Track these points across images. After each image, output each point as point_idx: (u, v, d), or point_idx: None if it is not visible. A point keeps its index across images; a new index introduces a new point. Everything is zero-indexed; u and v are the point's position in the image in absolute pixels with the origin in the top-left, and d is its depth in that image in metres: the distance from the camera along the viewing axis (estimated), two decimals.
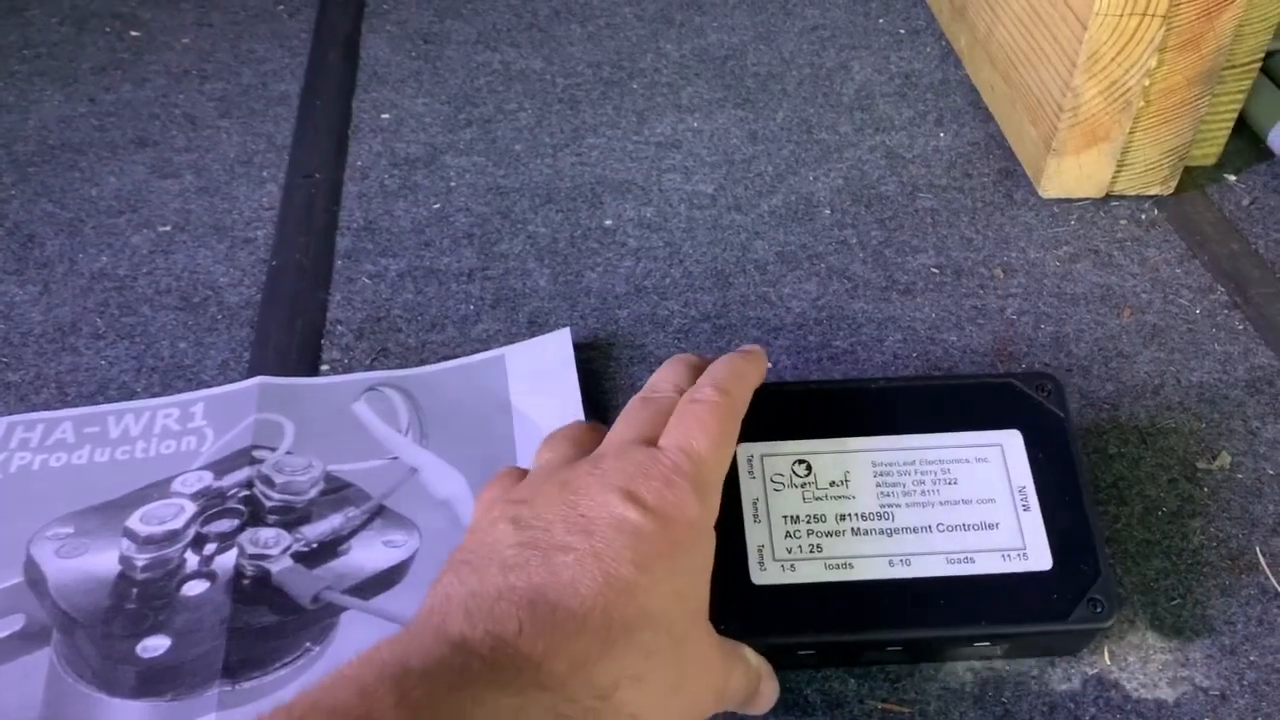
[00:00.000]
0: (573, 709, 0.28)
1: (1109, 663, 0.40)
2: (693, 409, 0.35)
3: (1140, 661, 0.40)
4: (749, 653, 0.36)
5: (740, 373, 0.38)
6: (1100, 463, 0.47)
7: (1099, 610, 0.36)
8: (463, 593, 0.30)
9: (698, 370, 0.38)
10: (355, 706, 0.25)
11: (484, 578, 0.30)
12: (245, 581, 0.42)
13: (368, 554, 0.43)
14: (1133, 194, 0.61)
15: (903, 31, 0.75)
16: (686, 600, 0.32)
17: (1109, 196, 0.61)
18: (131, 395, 0.50)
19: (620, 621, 0.30)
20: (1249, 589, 0.42)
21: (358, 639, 0.40)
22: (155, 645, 0.40)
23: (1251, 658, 0.40)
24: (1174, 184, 0.60)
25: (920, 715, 0.38)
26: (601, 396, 0.50)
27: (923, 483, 0.39)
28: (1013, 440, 0.40)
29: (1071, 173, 0.59)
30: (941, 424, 0.40)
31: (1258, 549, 0.44)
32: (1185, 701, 0.39)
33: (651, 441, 0.35)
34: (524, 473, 0.37)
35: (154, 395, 0.50)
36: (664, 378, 0.38)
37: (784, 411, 0.40)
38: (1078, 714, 0.38)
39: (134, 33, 0.75)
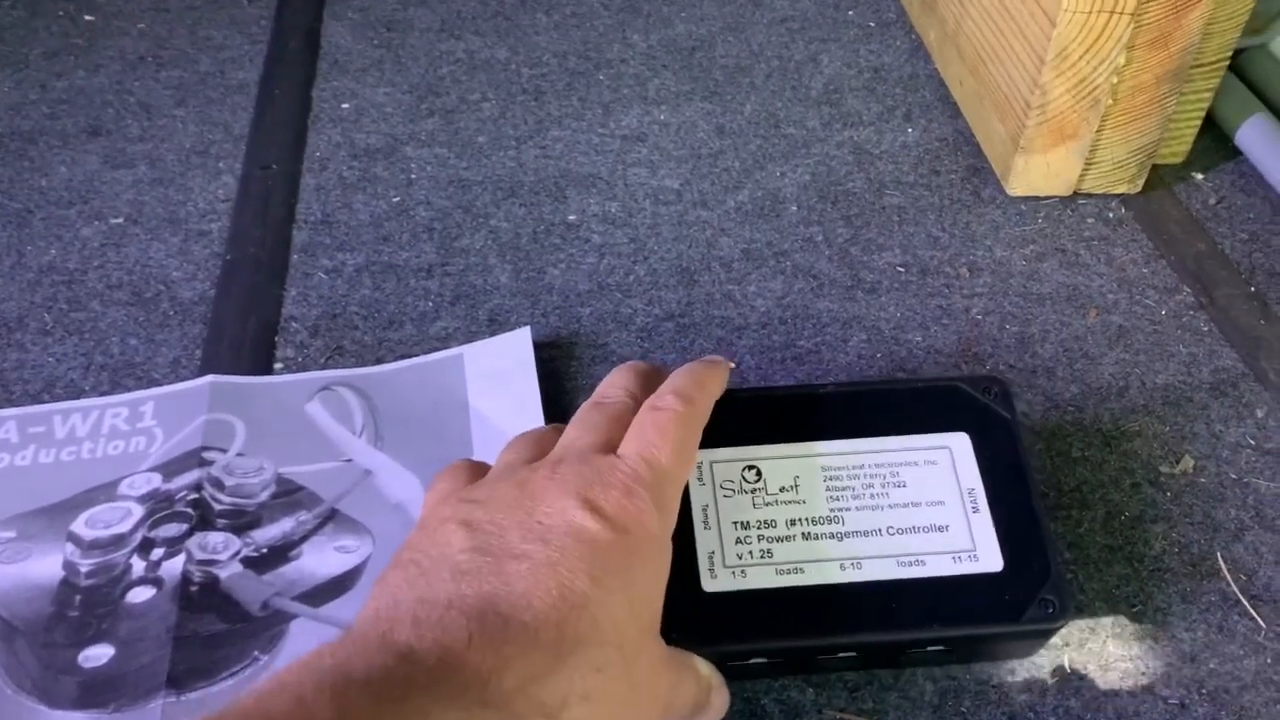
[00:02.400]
0: None
1: (1069, 670, 0.40)
2: (654, 417, 0.34)
3: (1100, 669, 0.40)
4: (699, 663, 0.35)
5: (703, 382, 0.37)
6: (1064, 466, 0.46)
7: (1051, 610, 0.36)
8: (411, 598, 0.29)
9: (648, 377, 0.38)
10: (293, 715, 0.24)
11: (433, 583, 0.29)
12: (193, 588, 0.41)
13: (319, 560, 0.42)
14: (1100, 193, 0.60)
15: (872, 24, 0.74)
16: (639, 615, 0.31)
17: (1076, 195, 0.60)
18: (79, 394, 0.49)
19: (572, 637, 0.29)
20: (1210, 595, 0.42)
21: (307, 648, 0.39)
22: (98, 654, 0.39)
23: (1211, 665, 0.40)
24: (1141, 183, 0.60)
25: None
26: (562, 397, 0.49)
27: (872, 486, 0.39)
28: (961, 443, 0.40)
29: (1039, 171, 0.59)
30: (890, 427, 0.40)
31: (1219, 554, 0.43)
32: (1145, 710, 0.38)
33: (610, 448, 0.34)
34: (476, 466, 0.36)
35: (103, 393, 0.49)
36: (615, 383, 0.38)
37: (733, 417, 0.39)
38: None
39: (88, 17, 0.73)
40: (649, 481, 0.32)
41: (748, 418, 0.40)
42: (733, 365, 0.50)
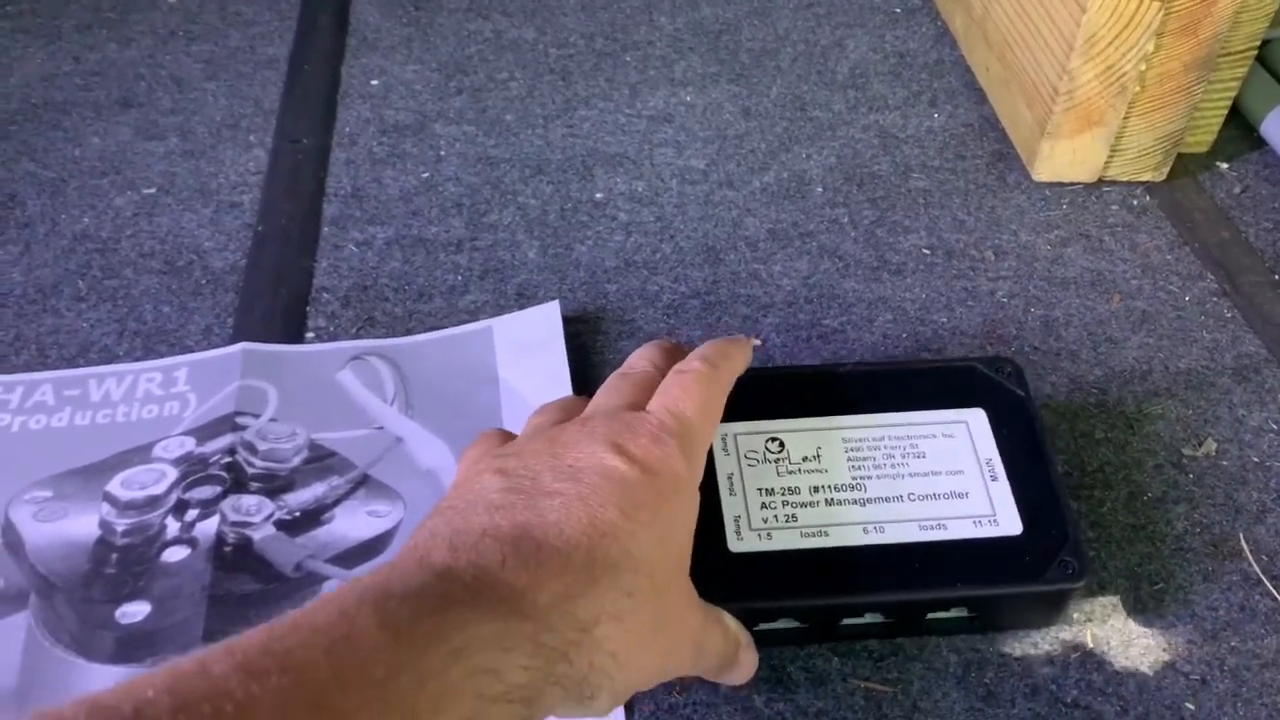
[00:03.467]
0: (553, 639, 0.28)
1: (1091, 646, 0.40)
2: (680, 379, 0.36)
3: (1123, 645, 0.40)
4: (729, 619, 0.36)
5: (727, 352, 0.38)
6: (1087, 447, 0.47)
7: (1070, 571, 0.37)
8: (447, 530, 0.30)
9: (673, 354, 0.39)
10: (336, 625, 0.25)
11: (469, 518, 0.30)
12: (227, 549, 0.42)
13: (351, 523, 0.43)
14: (1125, 179, 0.61)
15: (898, 10, 0.75)
16: (669, 549, 0.32)
17: (1101, 181, 0.61)
18: (113, 359, 0.49)
19: (603, 561, 0.30)
20: (1231, 575, 0.42)
21: None
22: (135, 611, 0.40)
23: (1232, 643, 0.40)
24: (1166, 170, 0.60)
25: (903, 695, 0.39)
26: (590, 371, 0.49)
27: (892, 456, 0.40)
28: (977, 418, 0.41)
29: (1065, 157, 0.59)
30: (908, 404, 0.42)
31: (1241, 536, 0.44)
32: (1167, 686, 0.39)
33: (637, 409, 0.35)
34: (508, 435, 0.37)
35: (136, 359, 0.49)
36: (642, 356, 0.39)
37: (755, 395, 0.41)
38: (1059, 695, 0.39)
39: None
40: (675, 431, 0.33)
41: (770, 395, 0.42)
42: (758, 342, 0.51)
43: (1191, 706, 0.38)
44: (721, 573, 0.37)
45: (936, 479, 0.39)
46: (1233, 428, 0.48)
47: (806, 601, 0.37)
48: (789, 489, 0.39)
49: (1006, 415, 0.41)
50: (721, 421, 0.39)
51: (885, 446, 0.40)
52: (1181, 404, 0.49)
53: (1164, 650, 0.40)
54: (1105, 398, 0.49)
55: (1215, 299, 0.54)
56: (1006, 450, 0.40)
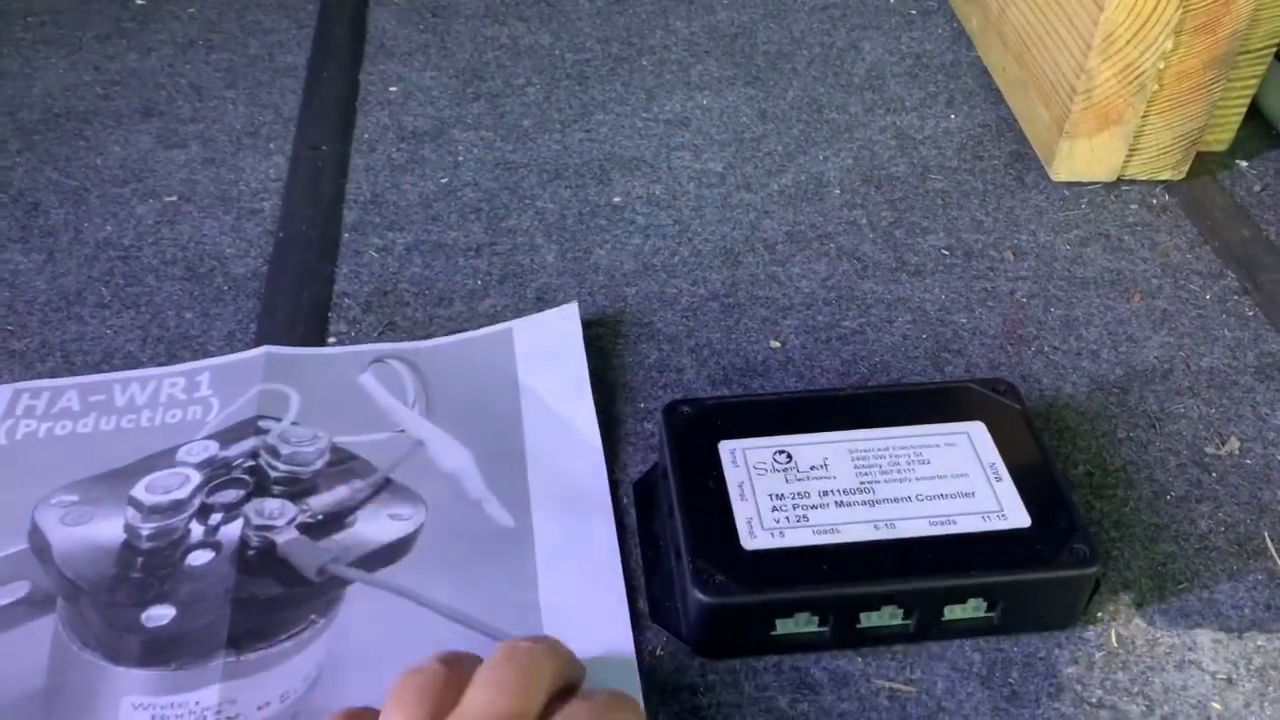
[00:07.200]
0: None
1: (1116, 645, 0.40)
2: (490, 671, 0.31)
3: (1148, 645, 0.40)
4: None
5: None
6: (1109, 447, 0.47)
7: (1082, 556, 0.38)
8: None
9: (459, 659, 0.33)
10: None
11: None
12: (250, 552, 0.42)
13: (373, 527, 0.43)
14: (1144, 178, 0.60)
15: (914, 12, 0.74)
16: None
17: (1120, 181, 0.60)
18: (137, 364, 0.50)
19: None
20: (1256, 574, 0.42)
21: (363, 612, 0.40)
22: (160, 614, 0.40)
23: (1258, 642, 0.40)
24: (1186, 169, 0.60)
25: (927, 695, 0.38)
26: (609, 373, 0.50)
27: (898, 464, 0.42)
28: (977, 429, 0.43)
29: (1083, 156, 0.59)
30: (909, 421, 0.43)
31: (1266, 534, 0.43)
32: (1193, 685, 0.39)
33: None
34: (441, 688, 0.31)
35: (160, 365, 0.50)
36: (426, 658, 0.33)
37: (760, 417, 0.43)
38: (1084, 695, 0.38)
39: (139, 1, 0.75)
40: None
41: (774, 417, 0.43)
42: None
43: (1218, 706, 0.38)
44: (737, 568, 0.38)
45: (942, 481, 0.41)
46: (1256, 426, 0.48)
47: (822, 592, 0.38)
48: (799, 494, 0.40)
49: (1005, 426, 0.43)
50: (727, 439, 0.42)
51: (890, 455, 0.42)
52: (1204, 403, 0.49)
53: (1189, 649, 0.40)
54: (1127, 397, 0.49)
55: (1236, 297, 0.54)
56: (1008, 455, 0.42)
